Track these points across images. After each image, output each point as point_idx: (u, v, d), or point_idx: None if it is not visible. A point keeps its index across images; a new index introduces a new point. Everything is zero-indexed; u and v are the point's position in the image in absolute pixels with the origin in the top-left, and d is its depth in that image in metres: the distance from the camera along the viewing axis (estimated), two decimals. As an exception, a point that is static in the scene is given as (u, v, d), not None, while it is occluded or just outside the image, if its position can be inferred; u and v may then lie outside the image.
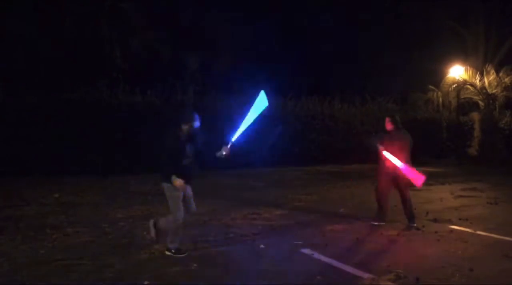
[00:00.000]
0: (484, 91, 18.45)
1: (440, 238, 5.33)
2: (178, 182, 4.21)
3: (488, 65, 19.09)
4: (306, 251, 4.74)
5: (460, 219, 6.46)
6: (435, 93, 20.81)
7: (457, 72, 18.66)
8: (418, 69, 21.04)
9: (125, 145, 11.28)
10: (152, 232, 4.51)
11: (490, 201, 8.07)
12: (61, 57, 14.10)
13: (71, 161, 10.75)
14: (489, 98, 18.51)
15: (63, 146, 10.76)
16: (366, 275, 3.95)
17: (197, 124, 4.39)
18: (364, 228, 5.89)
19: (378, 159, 6.11)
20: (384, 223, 6.00)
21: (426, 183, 10.46)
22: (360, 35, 21.70)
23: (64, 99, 11.21)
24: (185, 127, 4.35)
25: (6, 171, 9.77)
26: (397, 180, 6.00)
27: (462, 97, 19.42)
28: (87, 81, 11.87)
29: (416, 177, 5.86)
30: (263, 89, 4.53)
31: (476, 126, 19.26)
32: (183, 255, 4.43)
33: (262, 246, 4.92)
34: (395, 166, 5.81)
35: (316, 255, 4.59)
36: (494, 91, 18.45)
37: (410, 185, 6.00)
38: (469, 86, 18.96)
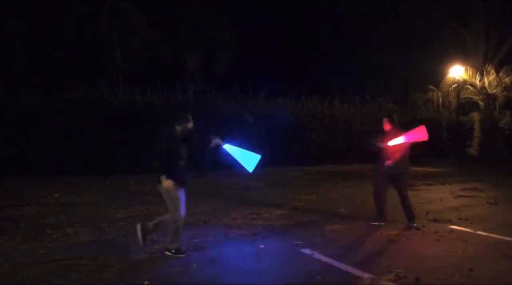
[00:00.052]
0: (484, 91, 18.46)
1: (440, 238, 5.33)
2: (168, 183, 4.21)
3: (488, 65, 19.10)
4: (306, 251, 4.74)
5: (460, 219, 6.46)
6: (435, 93, 20.81)
7: (457, 72, 18.66)
8: (418, 69, 21.05)
9: (125, 145, 11.28)
10: (139, 235, 4.39)
11: (490, 201, 8.07)
12: (61, 57, 14.09)
13: (71, 161, 10.75)
14: (489, 98, 18.52)
15: (63, 146, 10.77)
16: (366, 275, 3.95)
17: (191, 125, 4.40)
18: (364, 228, 5.89)
19: (377, 159, 6.13)
20: (384, 223, 6.00)
21: (426, 183, 10.60)
22: (360, 35, 21.68)
23: (64, 99, 11.22)
24: (179, 128, 4.36)
25: (6, 171, 9.77)
26: (394, 181, 6.00)
27: (462, 97, 19.43)
28: (87, 81, 11.87)
29: (420, 133, 5.88)
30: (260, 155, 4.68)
31: (476, 126, 19.26)
32: (183, 255, 4.43)
33: (262, 246, 4.92)
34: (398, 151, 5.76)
35: (316, 255, 4.59)
36: (494, 91, 18.45)
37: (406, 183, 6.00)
38: (469, 86, 18.97)
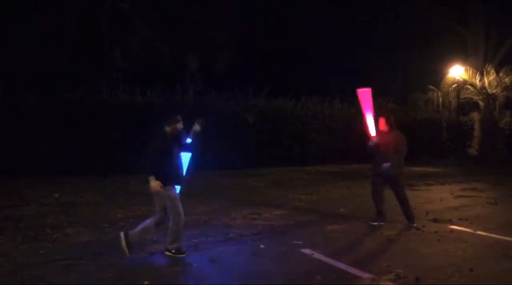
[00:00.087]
0: (484, 91, 18.46)
1: (440, 238, 5.33)
2: (155, 183, 4.20)
3: (488, 65, 19.10)
4: (306, 251, 4.74)
5: (460, 219, 6.45)
6: (435, 93, 20.81)
7: (457, 72, 18.66)
8: (418, 69, 21.04)
9: (125, 145, 11.28)
10: (123, 244, 4.25)
11: (490, 201, 8.07)
12: (61, 57, 14.10)
13: (71, 161, 10.75)
14: (489, 98, 18.52)
15: (63, 146, 10.77)
16: (366, 275, 3.95)
17: (180, 125, 4.43)
18: (364, 228, 5.89)
19: (372, 160, 6.15)
20: (383, 223, 6.00)
21: (426, 183, 10.60)
22: (360, 35, 21.68)
23: (64, 99, 11.22)
24: (168, 129, 4.37)
25: (6, 171, 9.77)
26: (389, 181, 6.00)
27: (462, 97, 19.42)
28: (87, 81, 11.88)
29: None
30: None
31: (476, 126, 19.26)
32: (183, 255, 4.43)
33: (262, 246, 4.92)
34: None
35: (316, 255, 4.59)
36: (494, 91, 18.45)
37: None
38: (469, 86, 18.97)
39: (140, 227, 4.39)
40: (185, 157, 4.72)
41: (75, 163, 10.75)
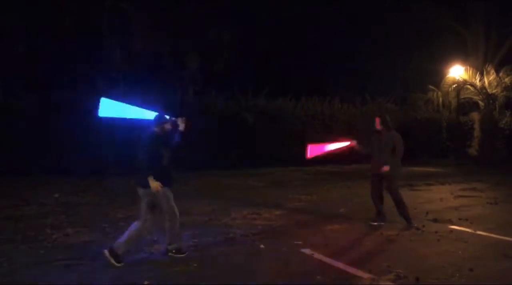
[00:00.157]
0: (484, 91, 18.44)
1: (440, 238, 5.33)
2: (156, 184, 4.19)
3: (488, 65, 19.08)
4: (306, 251, 4.74)
5: (460, 219, 6.45)
6: (435, 93, 20.80)
7: (457, 72, 18.65)
8: (418, 69, 21.03)
9: (125, 145, 11.27)
10: (111, 260, 4.10)
11: (490, 201, 8.07)
12: (61, 57, 14.10)
13: (71, 161, 10.74)
14: (489, 98, 18.50)
15: (63, 146, 10.76)
16: (366, 275, 3.95)
17: (168, 126, 4.43)
18: (364, 228, 5.89)
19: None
20: (383, 223, 6.00)
21: (426, 183, 10.61)
22: (360, 35, 21.67)
23: (63, 99, 11.20)
24: (157, 129, 4.37)
25: (6, 171, 9.77)
26: (385, 181, 6.00)
27: (462, 97, 19.41)
28: (87, 81, 11.87)
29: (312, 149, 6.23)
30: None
31: (476, 126, 19.25)
32: (183, 255, 4.43)
33: (262, 246, 4.92)
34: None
35: (316, 255, 4.59)
36: (494, 91, 18.43)
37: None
38: (469, 86, 18.95)
39: (125, 236, 4.24)
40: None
41: (75, 163, 10.74)
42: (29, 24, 13.97)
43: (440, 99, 20.72)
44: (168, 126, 4.44)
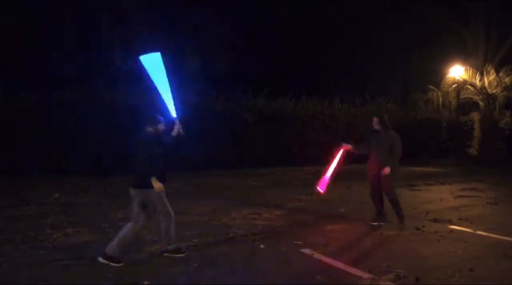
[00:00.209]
0: (484, 91, 18.43)
1: (440, 238, 5.33)
2: (160, 184, 4.20)
3: (488, 65, 19.06)
4: (306, 251, 4.74)
5: (460, 219, 6.45)
6: (435, 93, 20.79)
7: (457, 72, 18.64)
8: (418, 69, 21.04)
9: (125, 145, 11.27)
10: (111, 263, 4.10)
11: (490, 201, 8.07)
12: (61, 56, 14.11)
13: (71, 161, 10.74)
14: (489, 98, 18.49)
15: (63, 146, 10.76)
16: (366, 275, 3.95)
17: (162, 127, 4.43)
18: (364, 228, 5.89)
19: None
20: (383, 223, 6.00)
21: (426, 183, 10.60)
22: (360, 35, 21.69)
23: (63, 99, 11.21)
24: (150, 129, 4.38)
25: (6, 171, 9.77)
26: (381, 182, 6.00)
27: (462, 97, 19.41)
28: (87, 81, 11.87)
29: (321, 183, 6.14)
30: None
31: (476, 126, 19.24)
32: (183, 254, 4.43)
33: (262, 246, 4.92)
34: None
35: (316, 255, 4.59)
36: (494, 91, 18.42)
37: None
38: (469, 86, 18.94)
39: (117, 238, 4.21)
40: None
41: (75, 163, 10.75)
42: (29, 24, 13.96)
43: (440, 99, 20.72)
44: (161, 127, 4.43)
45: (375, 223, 6.02)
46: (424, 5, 20.73)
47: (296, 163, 14.10)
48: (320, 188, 6.21)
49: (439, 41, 21.31)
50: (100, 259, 4.12)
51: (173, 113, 4.50)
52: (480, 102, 19.19)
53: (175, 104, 4.49)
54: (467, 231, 5.71)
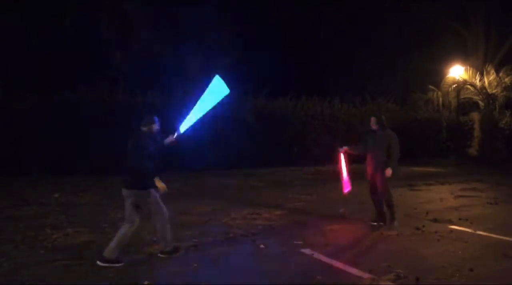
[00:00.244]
0: (484, 91, 18.44)
1: (440, 238, 5.33)
2: (163, 184, 4.21)
3: (488, 65, 19.08)
4: (306, 251, 4.74)
5: (460, 219, 6.46)
6: (435, 93, 20.80)
7: (457, 72, 18.65)
8: (418, 69, 21.04)
9: (125, 145, 11.27)
10: (112, 265, 4.11)
11: (490, 201, 8.07)
12: (61, 57, 14.10)
13: (71, 161, 10.75)
14: (489, 98, 18.50)
15: (63, 146, 10.77)
16: (366, 275, 3.95)
17: (156, 127, 4.44)
18: (364, 228, 5.89)
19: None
20: (383, 223, 6.00)
21: (426, 183, 10.60)
22: (360, 35, 21.69)
23: (64, 99, 11.21)
24: (144, 129, 4.38)
25: (6, 171, 9.77)
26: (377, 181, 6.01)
27: (462, 97, 19.42)
28: (87, 81, 11.87)
29: (345, 185, 6.33)
30: (220, 76, 4.56)
31: (476, 126, 19.25)
32: (180, 253, 4.42)
33: (262, 246, 4.92)
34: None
35: (316, 255, 4.59)
36: (494, 91, 18.43)
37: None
38: (469, 86, 18.95)
39: (115, 240, 4.22)
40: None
41: (75, 163, 10.75)
42: (29, 24, 13.96)
43: (440, 99, 20.72)
44: (156, 127, 4.45)
45: (375, 223, 6.02)
46: (424, 5, 20.72)
47: (296, 163, 14.10)
48: (346, 189, 6.38)
49: (439, 41, 21.30)
50: (99, 263, 4.12)
51: (183, 128, 4.54)
52: (480, 102, 19.20)
53: (193, 125, 4.57)
54: (467, 231, 5.71)
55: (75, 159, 10.80)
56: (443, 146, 18.82)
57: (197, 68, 18.59)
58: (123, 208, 4.33)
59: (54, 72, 13.56)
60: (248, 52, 19.56)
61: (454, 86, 19.31)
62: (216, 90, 4.59)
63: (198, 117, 4.58)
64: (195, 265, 4.21)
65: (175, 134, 4.56)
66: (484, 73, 18.58)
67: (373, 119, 6.11)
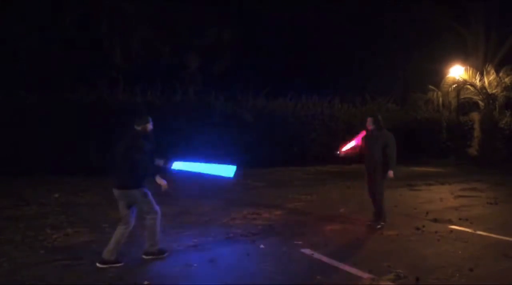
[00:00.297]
0: (484, 91, 18.43)
1: (440, 238, 5.33)
2: (164, 182, 4.22)
3: (488, 65, 19.07)
4: (306, 251, 4.74)
5: (460, 219, 6.46)
6: (435, 93, 20.78)
7: (457, 72, 18.64)
8: (418, 69, 21.03)
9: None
10: (113, 265, 4.13)
11: (490, 201, 8.07)
12: (61, 57, 14.10)
13: (71, 161, 10.74)
14: (489, 98, 18.49)
15: (63, 146, 10.76)
16: (366, 275, 3.95)
17: (150, 126, 4.44)
18: (364, 228, 5.89)
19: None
20: (383, 223, 6.00)
21: (426, 183, 10.60)
22: (360, 35, 21.69)
23: (64, 99, 11.21)
24: (138, 128, 4.38)
25: (6, 171, 9.77)
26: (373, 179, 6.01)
27: (462, 97, 19.40)
28: (87, 81, 11.87)
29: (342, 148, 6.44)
30: (236, 164, 4.67)
31: (476, 126, 19.24)
32: (165, 254, 4.41)
33: (262, 246, 4.92)
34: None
35: (316, 255, 4.59)
36: (494, 91, 18.42)
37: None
38: (469, 86, 18.94)
39: (112, 242, 4.23)
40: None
41: (75, 163, 10.73)
42: (29, 24, 13.95)
43: (440, 99, 20.71)
44: (150, 126, 4.45)
45: (375, 223, 6.01)
46: (424, 5, 20.69)
47: (296, 163, 14.09)
48: (340, 152, 6.50)
49: (439, 41, 21.29)
50: (98, 264, 4.12)
51: (177, 166, 4.54)
52: (480, 102, 19.19)
53: (186, 172, 4.61)
54: (467, 231, 5.72)
55: (75, 159, 10.78)
56: (443, 146, 18.81)
57: (197, 68, 18.61)
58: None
59: (54, 72, 13.55)
60: (248, 52, 19.56)
61: (454, 86, 19.29)
62: (225, 170, 4.70)
63: (195, 171, 4.66)
64: (195, 265, 4.21)
65: (166, 164, 4.52)
66: (484, 73, 18.57)
67: (369, 119, 6.12)
